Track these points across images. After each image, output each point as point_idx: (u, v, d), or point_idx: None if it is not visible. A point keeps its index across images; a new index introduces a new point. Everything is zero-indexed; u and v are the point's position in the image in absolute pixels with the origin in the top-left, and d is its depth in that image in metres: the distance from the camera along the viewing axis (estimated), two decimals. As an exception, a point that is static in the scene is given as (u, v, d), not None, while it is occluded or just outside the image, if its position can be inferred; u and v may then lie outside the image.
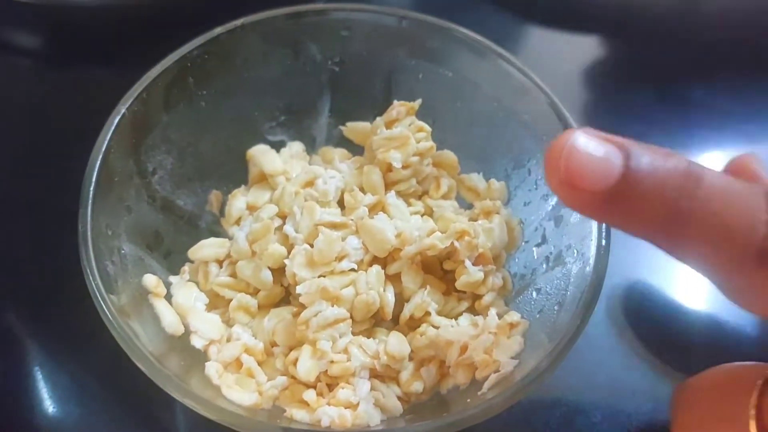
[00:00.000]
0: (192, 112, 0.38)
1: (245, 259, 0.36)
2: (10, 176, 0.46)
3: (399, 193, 0.39)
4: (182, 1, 0.51)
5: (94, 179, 0.32)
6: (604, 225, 0.33)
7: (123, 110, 0.34)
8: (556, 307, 0.33)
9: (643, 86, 0.54)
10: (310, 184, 0.38)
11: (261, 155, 0.40)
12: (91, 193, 0.32)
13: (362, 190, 0.39)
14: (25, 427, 0.38)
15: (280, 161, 0.40)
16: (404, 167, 0.38)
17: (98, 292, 0.30)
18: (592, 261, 0.32)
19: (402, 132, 0.38)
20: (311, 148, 0.43)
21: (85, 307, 0.32)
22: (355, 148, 0.42)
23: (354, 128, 0.42)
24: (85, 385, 0.40)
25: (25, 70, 0.53)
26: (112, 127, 0.34)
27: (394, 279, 0.36)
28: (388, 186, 0.39)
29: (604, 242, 0.32)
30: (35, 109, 0.50)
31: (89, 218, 0.31)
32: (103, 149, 0.33)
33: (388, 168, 0.39)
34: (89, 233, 0.31)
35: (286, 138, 0.42)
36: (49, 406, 0.39)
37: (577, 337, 0.30)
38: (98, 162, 0.32)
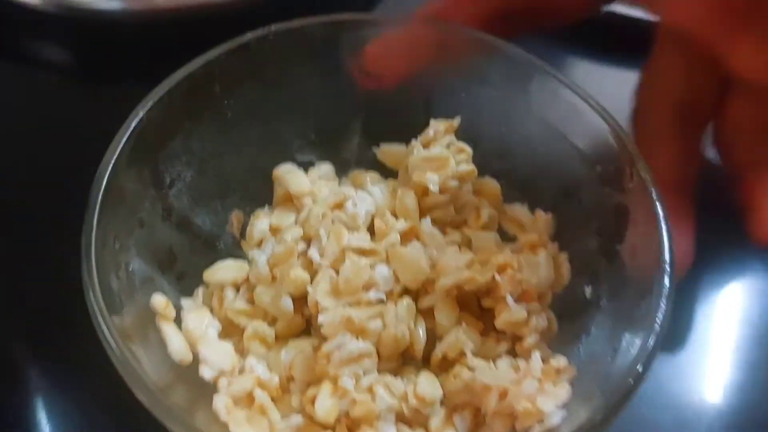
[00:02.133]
0: (217, 123, 0.35)
1: (264, 285, 0.33)
2: (31, 194, 0.44)
3: (435, 221, 0.36)
4: (222, 13, 0.49)
5: (104, 185, 0.29)
6: (670, 262, 0.29)
7: (141, 114, 0.32)
8: (610, 353, 0.29)
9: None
10: (339, 206, 0.35)
11: (287, 174, 0.37)
12: (100, 199, 0.29)
13: (395, 215, 0.35)
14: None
15: (307, 181, 0.37)
16: (442, 191, 0.35)
17: (97, 308, 0.27)
18: (656, 302, 0.29)
19: (441, 153, 0.35)
20: (342, 171, 0.40)
21: (92, 329, 0.29)
22: (390, 174, 0.39)
23: (388, 151, 0.39)
24: (90, 414, 0.36)
25: (52, 86, 0.51)
26: (128, 131, 0.31)
27: (426, 314, 0.33)
28: (423, 212, 0.36)
29: (667, 282, 0.29)
30: (61, 125, 0.48)
31: (94, 227, 0.28)
32: (117, 154, 0.30)
33: (424, 192, 0.36)
34: (93, 243, 0.28)
35: (315, 158, 0.39)
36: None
37: (638, 387, 0.26)
38: (110, 167, 0.30)
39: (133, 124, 0.31)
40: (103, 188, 0.29)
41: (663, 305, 0.28)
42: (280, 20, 0.36)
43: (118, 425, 0.36)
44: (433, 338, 0.32)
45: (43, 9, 0.47)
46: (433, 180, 0.35)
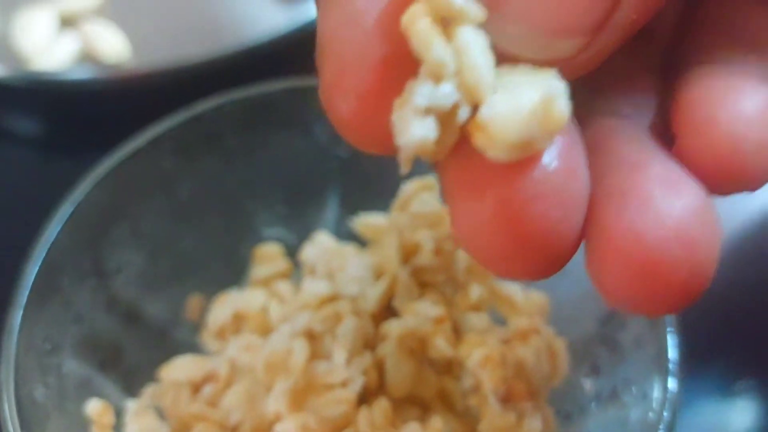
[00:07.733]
0: (170, 203, 0.34)
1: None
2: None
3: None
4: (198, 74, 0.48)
5: (31, 283, 0.28)
6: (674, 362, 0.27)
7: (80, 199, 0.31)
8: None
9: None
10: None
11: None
12: (26, 298, 0.28)
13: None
14: None
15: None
16: (436, 253, 0.33)
17: (11, 427, 0.25)
18: (656, 406, 0.26)
19: (434, 208, 0.33)
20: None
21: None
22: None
23: (368, 222, 0.37)
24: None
25: (19, 160, 0.50)
26: (63, 222, 0.30)
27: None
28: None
29: (671, 382, 0.26)
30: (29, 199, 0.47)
31: (17, 329, 0.27)
32: (48, 247, 0.29)
33: (410, 253, 0.33)
34: (14, 348, 0.26)
35: (287, 233, 0.38)
36: None
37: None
38: (39, 262, 0.29)
39: (70, 212, 0.30)
40: (29, 287, 0.28)
41: (666, 414, 0.25)
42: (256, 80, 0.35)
43: None
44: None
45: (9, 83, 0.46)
46: (426, 238, 0.32)
